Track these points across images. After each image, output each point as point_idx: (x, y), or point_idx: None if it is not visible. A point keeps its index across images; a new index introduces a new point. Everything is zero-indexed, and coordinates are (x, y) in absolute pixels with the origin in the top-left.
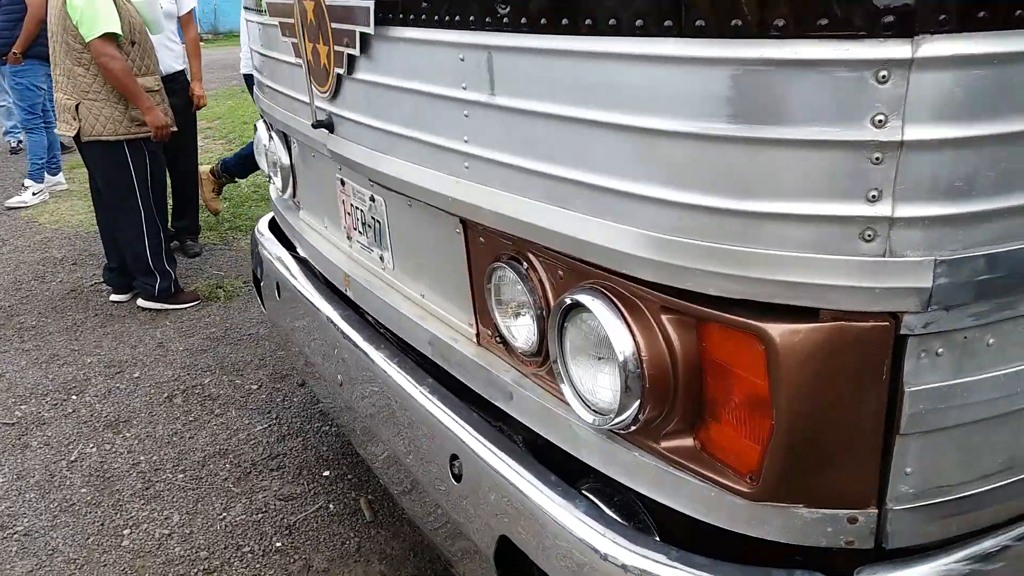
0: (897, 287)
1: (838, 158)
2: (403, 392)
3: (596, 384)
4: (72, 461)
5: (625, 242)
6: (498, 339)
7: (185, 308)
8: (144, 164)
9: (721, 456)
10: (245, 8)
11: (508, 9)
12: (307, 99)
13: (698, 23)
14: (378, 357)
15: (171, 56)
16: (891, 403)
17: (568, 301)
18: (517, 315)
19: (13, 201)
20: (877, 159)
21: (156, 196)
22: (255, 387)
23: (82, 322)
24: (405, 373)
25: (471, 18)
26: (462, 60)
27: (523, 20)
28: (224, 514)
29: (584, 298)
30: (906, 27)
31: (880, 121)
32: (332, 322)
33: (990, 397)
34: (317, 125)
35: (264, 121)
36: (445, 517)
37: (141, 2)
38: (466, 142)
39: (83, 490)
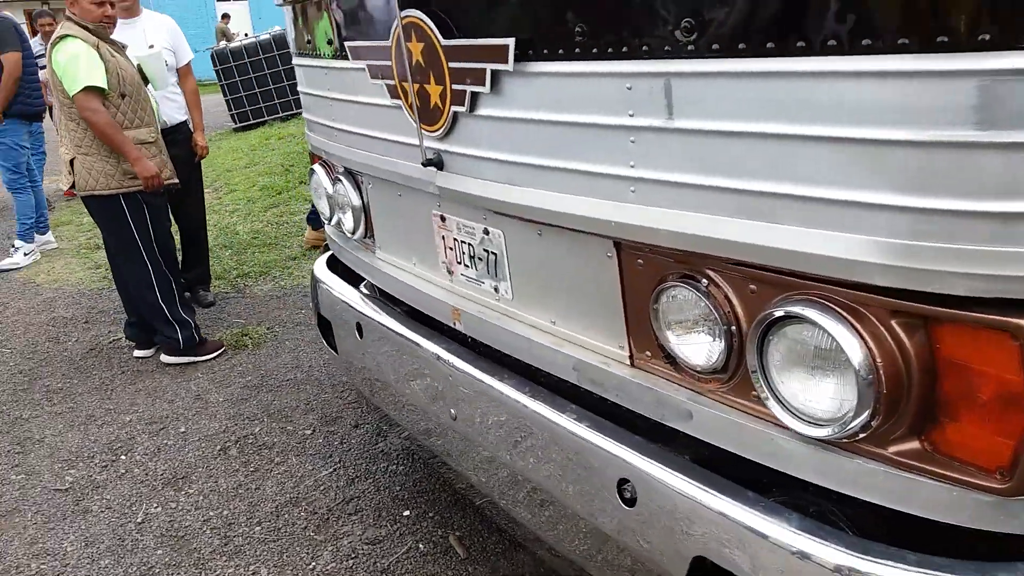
0: None
1: None
2: (545, 420)
3: (815, 396)
4: (139, 523)
5: (855, 250)
6: (663, 359)
7: (212, 358)
8: (143, 216)
9: (962, 455)
10: (299, 54)
11: (694, 36)
12: (405, 139)
13: (940, 39)
14: (505, 388)
15: (174, 107)
16: None
17: (779, 314)
18: (691, 333)
19: (5, 263)
20: None
21: (162, 247)
22: (308, 432)
23: (110, 380)
24: (542, 401)
25: (644, 48)
26: (629, 89)
27: (714, 47)
28: (313, 564)
29: (802, 310)
30: None
31: None
32: (440, 357)
33: None
34: (427, 163)
35: (323, 165)
36: (614, 545)
37: (146, 57)
38: (632, 167)
39: (159, 552)
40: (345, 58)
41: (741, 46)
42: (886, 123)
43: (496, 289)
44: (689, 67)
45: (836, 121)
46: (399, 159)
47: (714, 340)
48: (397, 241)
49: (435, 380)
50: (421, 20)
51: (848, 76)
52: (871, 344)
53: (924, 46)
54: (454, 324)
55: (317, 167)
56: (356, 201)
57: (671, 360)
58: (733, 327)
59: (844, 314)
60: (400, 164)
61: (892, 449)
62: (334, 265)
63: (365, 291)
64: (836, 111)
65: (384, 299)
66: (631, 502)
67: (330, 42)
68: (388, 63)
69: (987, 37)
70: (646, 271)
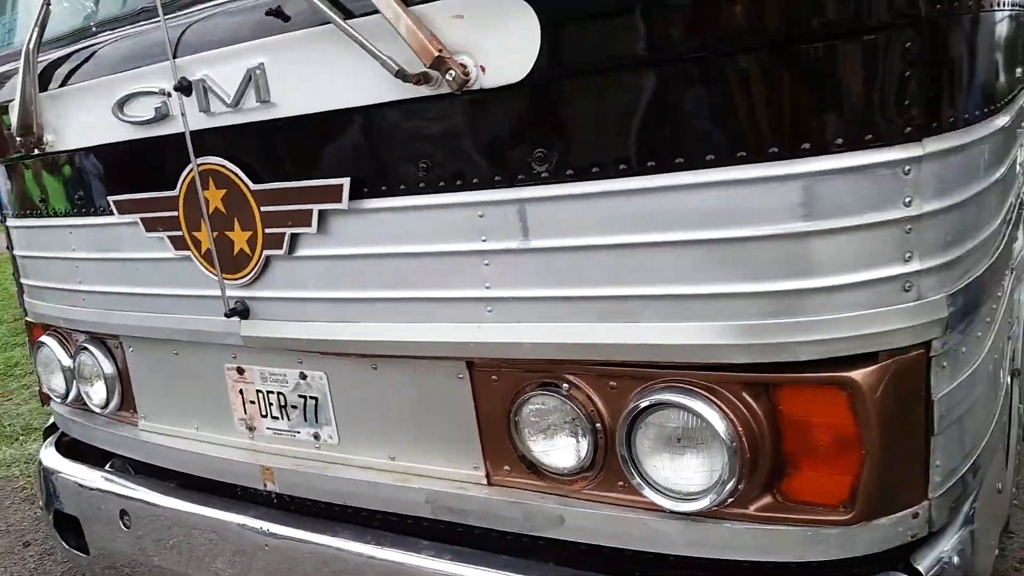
0: (928, 321)
1: (884, 233)
2: (399, 567)
3: (687, 473)
4: None
5: (711, 335)
6: (525, 470)
7: None
8: None
9: (810, 499)
10: (21, 215)
11: (547, 165)
12: (192, 291)
13: (771, 150)
14: (342, 543)
15: None
16: (927, 412)
17: (646, 403)
18: (556, 438)
19: None
20: (908, 229)
21: None
22: None
23: None
24: (391, 547)
25: (497, 178)
26: (481, 216)
27: (568, 172)
28: None
29: (667, 396)
30: (916, 133)
31: (908, 202)
32: (249, 527)
33: (966, 391)
34: (231, 313)
35: (54, 335)
36: None
37: None
38: (488, 288)
39: None
40: (103, 213)
41: (595, 169)
42: (729, 224)
43: (316, 436)
44: (544, 192)
45: (686, 226)
46: (183, 314)
47: (579, 441)
48: (171, 407)
49: (244, 554)
50: (224, 167)
51: (695, 187)
52: (731, 416)
53: (758, 157)
54: (265, 486)
55: (47, 338)
56: (109, 370)
57: (534, 469)
58: (598, 424)
59: (704, 393)
60: (183, 320)
61: (753, 507)
62: (68, 451)
63: (110, 472)
64: (685, 217)
65: (151, 476)
66: None
67: (80, 198)
68: (172, 214)
69: (808, 145)
70: (502, 386)
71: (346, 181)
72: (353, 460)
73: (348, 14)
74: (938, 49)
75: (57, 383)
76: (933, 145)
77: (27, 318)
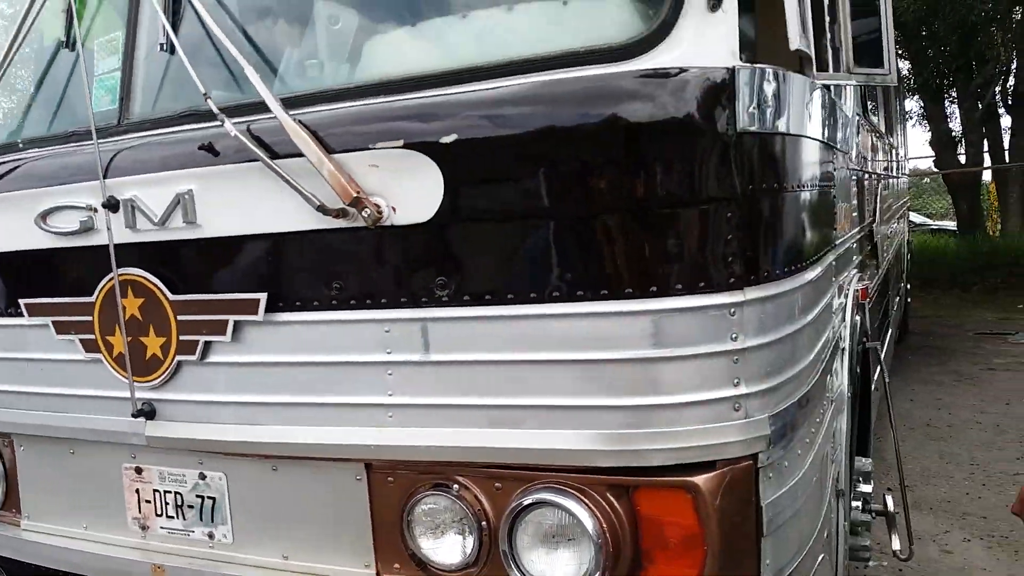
0: (754, 436)
1: (717, 361)
2: None
3: (559, 566)
4: None
5: (584, 442)
6: (414, 566)
7: None
8: None
9: None
10: None
11: (448, 291)
12: (97, 392)
13: (627, 290)
14: None
15: None
16: (757, 515)
17: (528, 502)
18: (445, 535)
19: None
20: (736, 360)
21: None
22: None
23: None
24: None
25: (403, 299)
26: (387, 331)
27: (465, 297)
28: None
29: (545, 496)
30: (739, 283)
31: (734, 337)
32: None
33: (790, 500)
34: (138, 414)
35: None
36: None
37: None
38: (390, 395)
39: None
40: (9, 315)
41: (487, 296)
42: (595, 348)
43: (211, 535)
44: (443, 313)
45: (561, 348)
46: (87, 413)
47: (466, 538)
48: (60, 506)
49: None
50: (144, 278)
51: (570, 316)
52: (598, 514)
53: (617, 295)
54: None
55: None
56: None
57: (423, 566)
58: (483, 522)
59: (576, 494)
60: (87, 419)
61: None
62: None
63: None
64: (561, 340)
65: None
66: None
67: None
68: (87, 318)
69: (655, 288)
70: (397, 488)
71: (263, 296)
72: (246, 560)
73: (275, 155)
74: (753, 219)
75: None
76: (752, 293)
77: None
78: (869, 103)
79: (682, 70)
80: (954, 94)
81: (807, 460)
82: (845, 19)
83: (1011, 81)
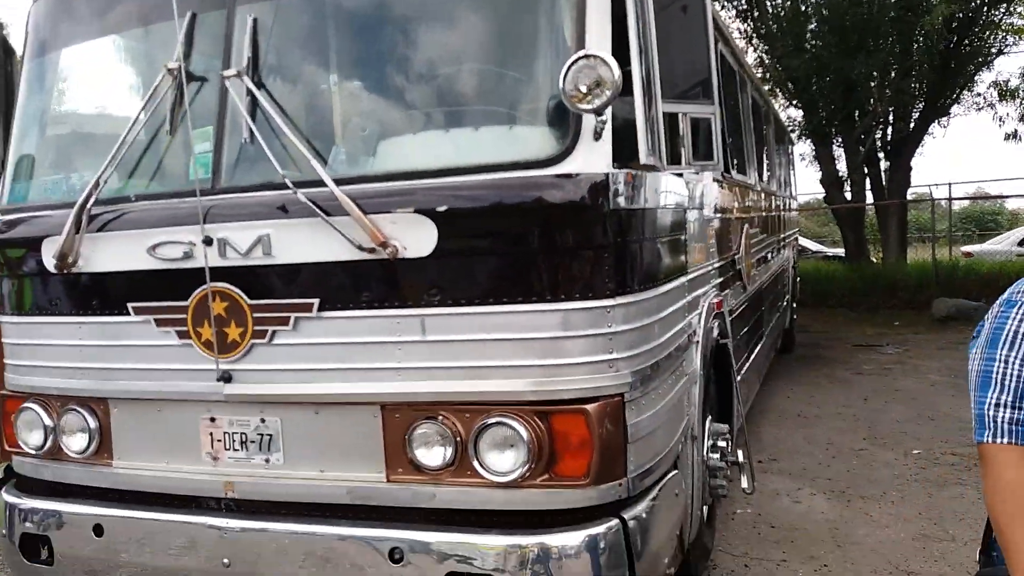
0: (621, 383)
1: (599, 339)
2: (331, 534)
3: (504, 463)
4: None
5: (522, 387)
6: (412, 470)
7: None
8: None
9: (568, 474)
10: (20, 312)
11: (438, 295)
12: (187, 366)
13: (548, 297)
14: (286, 525)
15: None
16: (624, 430)
17: (490, 422)
18: (433, 448)
19: None
20: (611, 338)
21: None
22: None
23: None
24: (319, 523)
25: (409, 302)
26: (398, 323)
27: (449, 301)
28: None
29: (498, 419)
30: (612, 293)
31: (610, 326)
32: (213, 526)
33: (646, 424)
34: (220, 379)
35: (38, 401)
36: None
37: None
38: (399, 362)
39: None
40: (119, 314)
41: (463, 301)
42: (530, 330)
43: (267, 460)
44: (436, 311)
45: (512, 330)
46: (176, 381)
47: (446, 449)
48: (146, 450)
49: (203, 543)
50: (229, 289)
51: (514, 312)
52: (529, 429)
53: (542, 299)
54: (226, 494)
55: (32, 404)
56: (94, 425)
57: (417, 469)
58: (458, 439)
59: (517, 417)
60: (177, 384)
61: (539, 480)
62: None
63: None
64: (512, 326)
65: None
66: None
67: (96, 303)
68: (182, 316)
69: (563, 296)
70: (402, 420)
71: (316, 300)
72: (294, 475)
73: (328, 213)
74: (620, 257)
75: (34, 439)
76: (621, 299)
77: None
78: (734, 160)
79: (579, 174)
80: (840, 139)
81: (658, 405)
82: (687, 129)
83: (889, 131)
